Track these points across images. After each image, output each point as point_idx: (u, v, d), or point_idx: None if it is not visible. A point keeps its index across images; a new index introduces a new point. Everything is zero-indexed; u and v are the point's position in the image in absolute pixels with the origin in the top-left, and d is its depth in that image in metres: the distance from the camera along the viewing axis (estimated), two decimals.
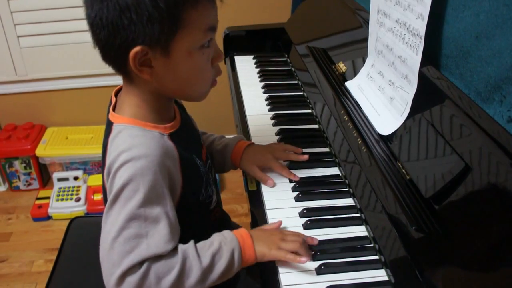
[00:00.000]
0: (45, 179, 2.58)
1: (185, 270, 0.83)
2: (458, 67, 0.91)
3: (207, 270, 0.85)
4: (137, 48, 0.81)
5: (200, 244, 0.88)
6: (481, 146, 0.78)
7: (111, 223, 0.81)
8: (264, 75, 1.64)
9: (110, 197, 0.83)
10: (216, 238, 0.90)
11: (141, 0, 0.78)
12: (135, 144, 0.84)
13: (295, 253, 0.91)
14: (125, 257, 0.79)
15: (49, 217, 2.34)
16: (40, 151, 2.42)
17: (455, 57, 0.91)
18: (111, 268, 0.80)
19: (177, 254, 0.84)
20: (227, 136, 1.23)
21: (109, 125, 0.91)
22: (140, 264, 0.80)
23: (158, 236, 0.82)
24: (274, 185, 1.10)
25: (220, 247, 0.88)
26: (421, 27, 0.92)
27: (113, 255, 0.80)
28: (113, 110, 0.93)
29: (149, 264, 0.80)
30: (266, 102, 1.48)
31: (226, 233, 0.92)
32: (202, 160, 1.02)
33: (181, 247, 0.85)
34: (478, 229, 0.75)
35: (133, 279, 0.79)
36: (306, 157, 1.16)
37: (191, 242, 0.87)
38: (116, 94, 0.97)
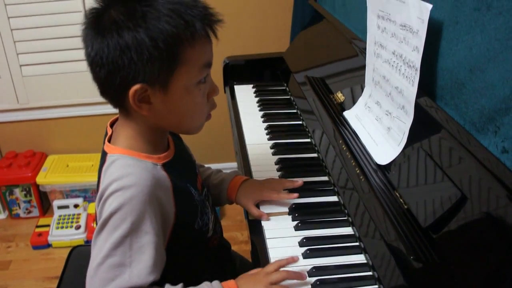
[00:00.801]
0: (45, 207, 2.58)
1: None
2: (453, 98, 0.93)
3: None
4: (136, 86, 0.84)
5: None
6: (476, 176, 0.80)
7: (97, 250, 0.83)
8: (263, 104, 1.66)
9: (98, 224, 0.84)
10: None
11: (141, 40, 0.81)
12: (126, 174, 0.85)
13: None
14: (106, 284, 0.80)
15: (49, 245, 2.34)
16: (40, 179, 2.43)
17: (450, 88, 0.93)
18: None
19: None
20: (225, 165, 1.24)
21: (103, 155, 0.93)
22: None
23: (142, 266, 0.83)
24: (268, 219, 1.11)
25: None
26: (416, 59, 0.94)
27: (96, 281, 0.81)
28: (109, 141, 0.95)
29: None
30: (266, 131, 1.49)
31: (216, 284, 0.92)
32: (197, 189, 1.03)
33: (168, 287, 0.87)
34: (475, 259, 0.76)
35: None
36: (300, 183, 1.16)
37: (180, 286, 0.88)
38: (112, 125, 0.99)
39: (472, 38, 0.86)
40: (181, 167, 1.00)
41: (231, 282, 0.93)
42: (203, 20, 0.86)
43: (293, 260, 0.97)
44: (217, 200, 1.21)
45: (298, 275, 0.93)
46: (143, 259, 0.83)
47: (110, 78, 0.85)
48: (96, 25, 0.84)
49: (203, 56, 0.89)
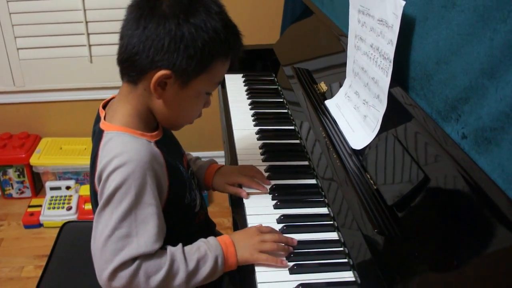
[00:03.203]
0: (38, 188, 2.64)
1: (172, 271, 0.91)
2: (422, 89, 1.00)
3: (192, 273, 0.93)
4: (166, 72, 0.91)
5: (187, 248, 0.96)
6: (439, 160, 0.87)
7: (104, 223, 0.89)
8: (251, 93, 1.73)
9: (102, 200, 0.90)
10: (202, 244, 0.98)
11: (196, 38, 0.90)
12: (126, 150, 0.92)
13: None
14: (117, 254, 0.87)
15: (40, 225, 2.40)
16: (34, 160, 2.49)
17: (420, 79, 1.01)
18: (104, 264, 0.88)
19: (166, 255, 0.91)
20: (213, 153, 1.31)
21: (99, 133, 0.98)
22: (132, 260, 0.88)
23: (147, 235, 0.89)
24: (248, 196, 1.18)
25: (205, 253, 0.95)
26: (390, 51, 1.01)
27: (106, 252, 0.87)
28: (104, 119, 1.01)
29: (140, 262, 0.88)
30: (252, 117, 1.56)
31: (212, 239, 0.99)
32: (184, 167, 1.10)
33: (170, 249, 0.93)
34: (434, 233, 0.84)
35: (124, 274, 0.87)
36: (267, 182, 1.23)
37: (180, 246, 0.95)
38: (104, 107, 1.05)
39: (439, 33, 0.93)
40: (169, 145, 1.07)
41: (225, 237, 1.01)
42: (238, 44, 0.98)
43: (292, 242, 1.03)
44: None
45: (285, 250, 1.00)
46: (148, 228, 0.90)
47: (148, 54, 0.91)
48: (155, 9, 0.91)
49: (222, 74, 1.00)
